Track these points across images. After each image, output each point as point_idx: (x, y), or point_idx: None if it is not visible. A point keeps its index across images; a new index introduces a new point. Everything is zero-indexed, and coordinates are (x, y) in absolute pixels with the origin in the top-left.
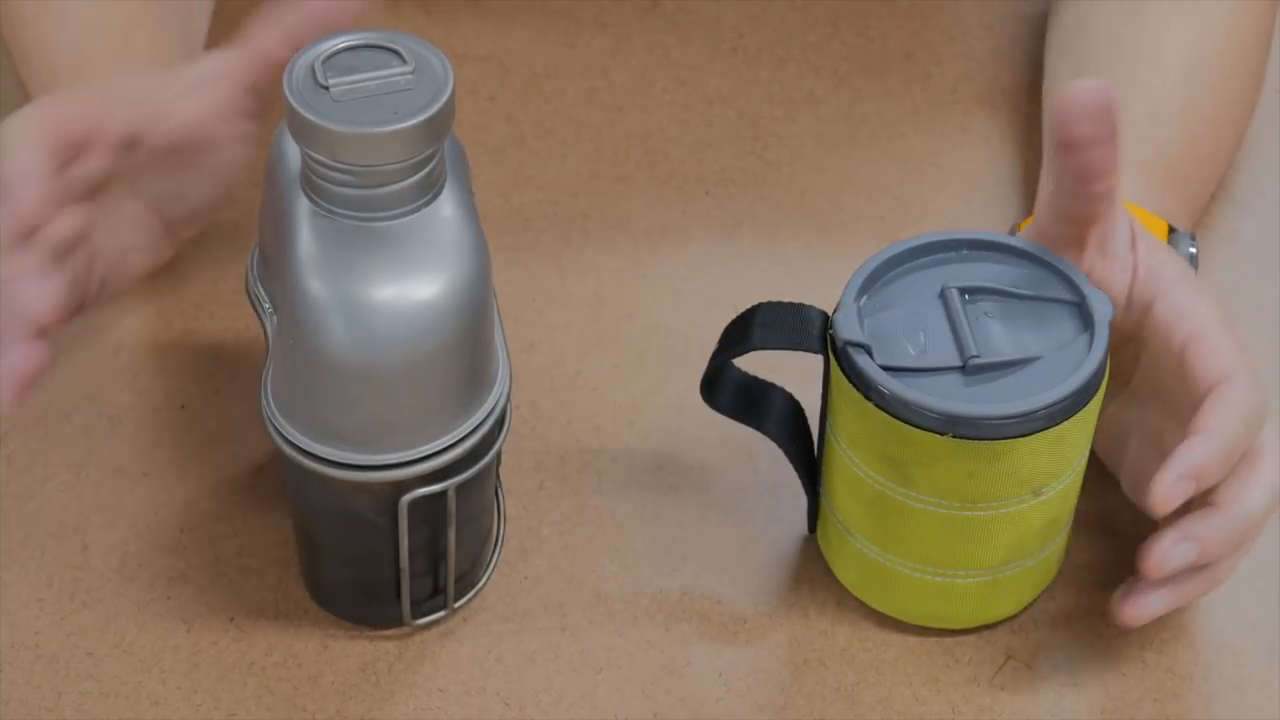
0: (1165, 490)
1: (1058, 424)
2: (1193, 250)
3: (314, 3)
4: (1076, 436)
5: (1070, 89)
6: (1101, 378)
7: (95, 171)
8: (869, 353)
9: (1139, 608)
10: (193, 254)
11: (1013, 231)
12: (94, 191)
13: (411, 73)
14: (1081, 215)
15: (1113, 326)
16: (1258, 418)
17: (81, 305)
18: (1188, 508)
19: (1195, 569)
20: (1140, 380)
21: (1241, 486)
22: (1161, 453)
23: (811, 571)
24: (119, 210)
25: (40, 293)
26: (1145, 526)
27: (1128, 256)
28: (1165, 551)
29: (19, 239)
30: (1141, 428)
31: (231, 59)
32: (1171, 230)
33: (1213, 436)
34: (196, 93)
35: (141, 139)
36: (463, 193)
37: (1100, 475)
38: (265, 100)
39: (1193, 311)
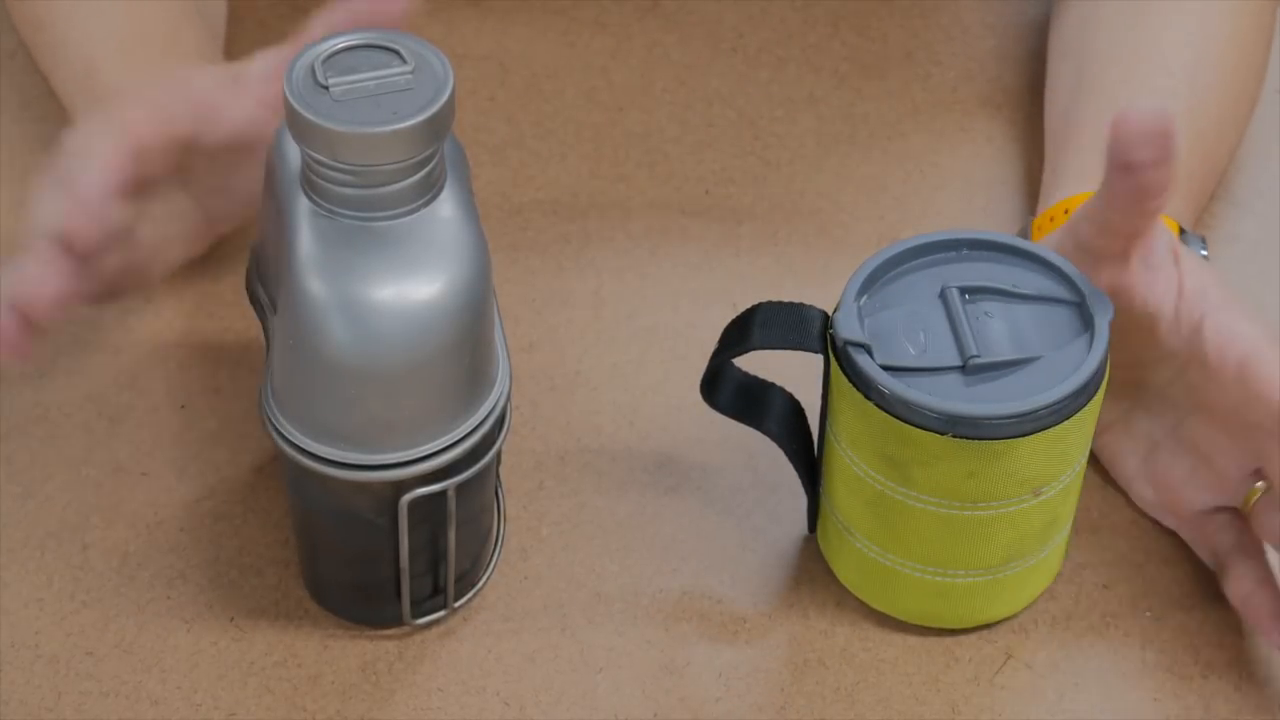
0: None
1: (1058, 424)
2: (1204, 253)
3: (361, 1)
4: (1076, 436)
5: (1129, 112)
6: (1101, 378)
7: (155, 171)
8: (869, 352)
9: None
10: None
11: (1024, 229)
12: (149, 186)
13: (411, 73)
14: (1128, 230)
15: (1156, 339)
16: None
17: (121, 291)
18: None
19: None
20: (1182, 392)
21: None
22: (1207, 464)
23: (811, 571)
24: (167, 202)
25: (41, 281)
26: (1145, 526)
27: (1172, 271)
28: None
29: (61, 243)
30: (1178, 436)
31: (282, 56)
32: (1182, 231)
33: None
34: (250, 91)
35: (199, 139)
36: (463, 193)
37: (1100, 475)
38: None
39: (1243, 333)
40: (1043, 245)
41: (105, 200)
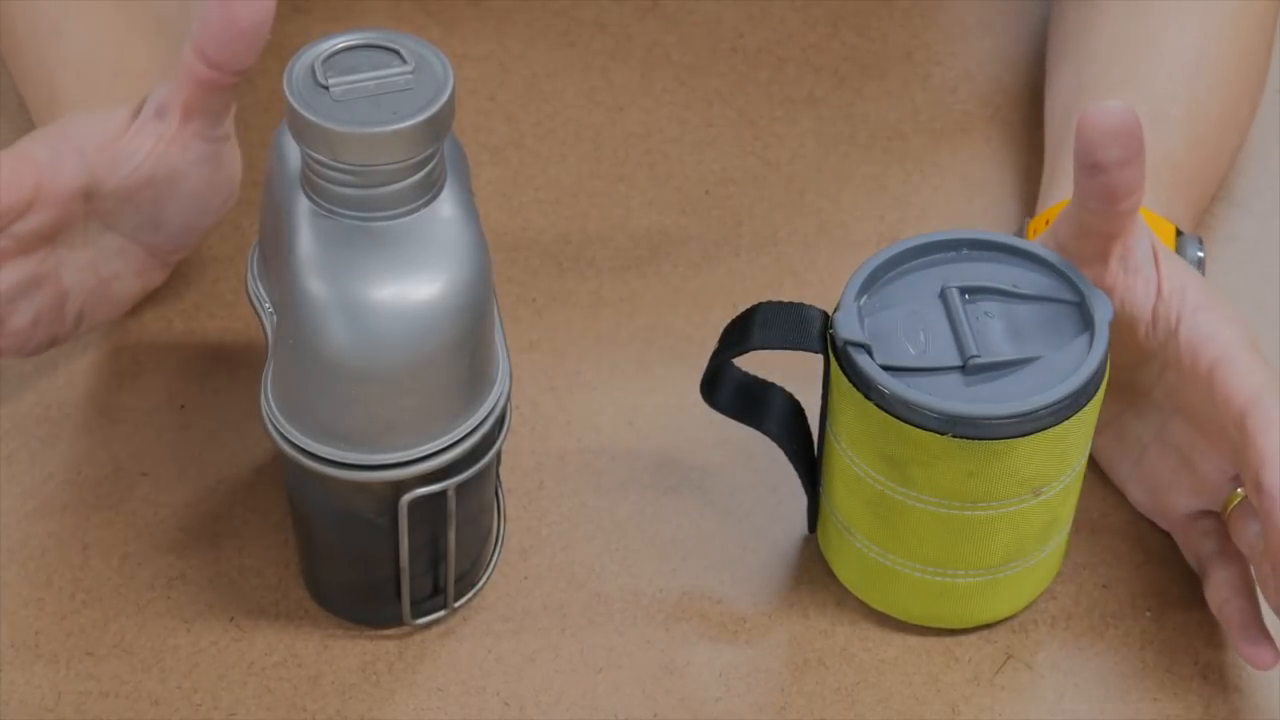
0: None
1: (1058, 424)
2: (1200, 255)
3: (218, 16)
4: (1076, 436)
5: (1094, 112)
6: (1101, 378)
7: (45, 225)
8: (869, 352)
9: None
10: (193, 254)
11: (1020, 230)
12: (47, 240)
13: (411, 73)
14: (1104, 230)
15: (1135, 342)
16: None
17: (56, 339)
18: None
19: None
20: (1164, 394)
21: None
22: (1189, 466)
23: (811, 571)
24: (94, 245)
25: None
26: (1145, 526)
27: (1151, 272)
28: None
29: None
30: (1163, 439)
31: (170, 88)
32: (1179, 233)
33: None
34: (148, 130)
35: (100, 187)
36: (463, 193)
37: (1100, 475)
38: (214, 119)
39: (1218, 336)
40: (1022, 239)
41: None
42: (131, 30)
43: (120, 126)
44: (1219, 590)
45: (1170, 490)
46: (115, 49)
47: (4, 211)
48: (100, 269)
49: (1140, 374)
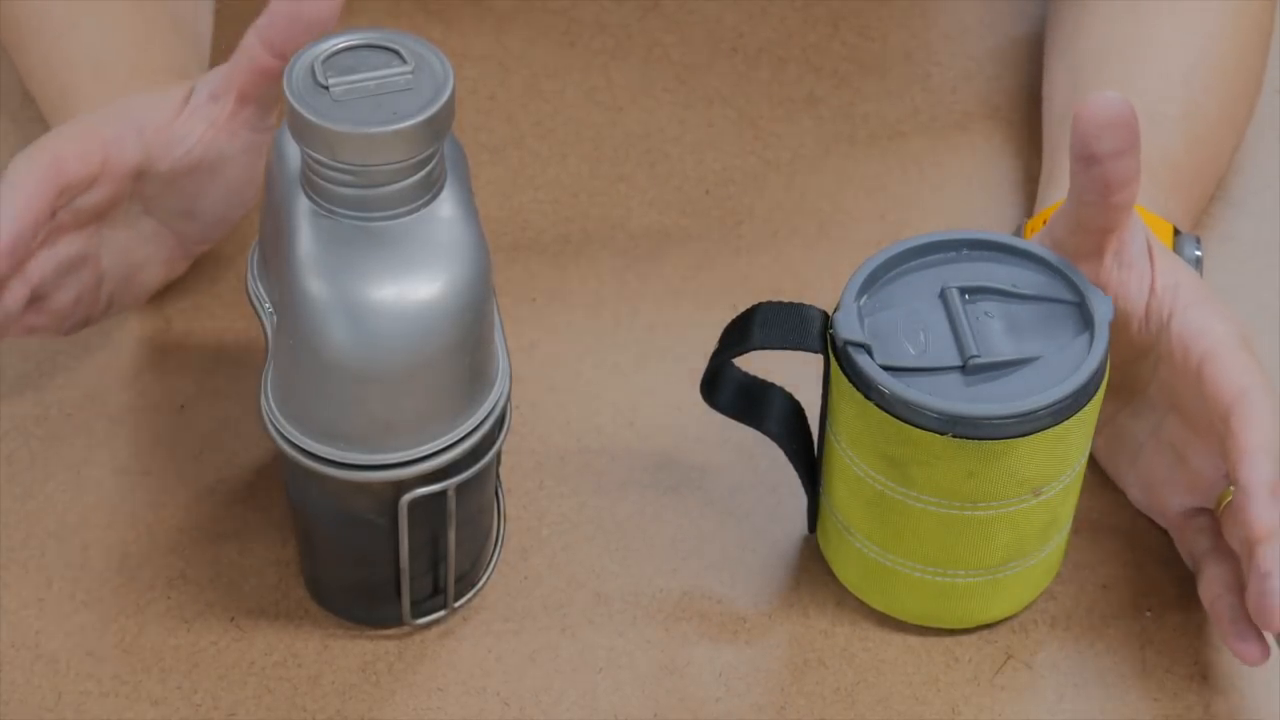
0: (1266, 516)
1: (1058, 424)
2: (1198, 254)
3: (287, 6)
4: (1076, 436)
5: (1089, 102)
6: (1101, 378)
7: (101, 202)
8: (869, 352)
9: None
10: None
11: (1017, 231)
12: (99, 217)
13: (411, 73)
14: (1100, 225)
15: (1129, 338)
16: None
17: (87, 321)
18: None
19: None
20: (1158, 391)
21: None
22: (1183, 463)
23: (811, 571)
24: (132, 229)
25: None
26: (1144, 526)
27: (1145, 268)
28: (1270, 512)
29: None
30: (1158, 436)
31: (225, 74)
32: (1176, 233)
33: (1263, 453)
34: (200, 114)
35: (152, 167)
36: (463, 193)
37: (1100, 475)
38: (264, 110)
39: (1208, 330)
40: (1022, 239)
41: (18, 236)
42: (150, 29)
43: (175, 109)
44: (1211, 586)
45: (1166, 488)
46: (133, 47)
47: (76, 183)
48: (134, 253)
49: (1135, 371)
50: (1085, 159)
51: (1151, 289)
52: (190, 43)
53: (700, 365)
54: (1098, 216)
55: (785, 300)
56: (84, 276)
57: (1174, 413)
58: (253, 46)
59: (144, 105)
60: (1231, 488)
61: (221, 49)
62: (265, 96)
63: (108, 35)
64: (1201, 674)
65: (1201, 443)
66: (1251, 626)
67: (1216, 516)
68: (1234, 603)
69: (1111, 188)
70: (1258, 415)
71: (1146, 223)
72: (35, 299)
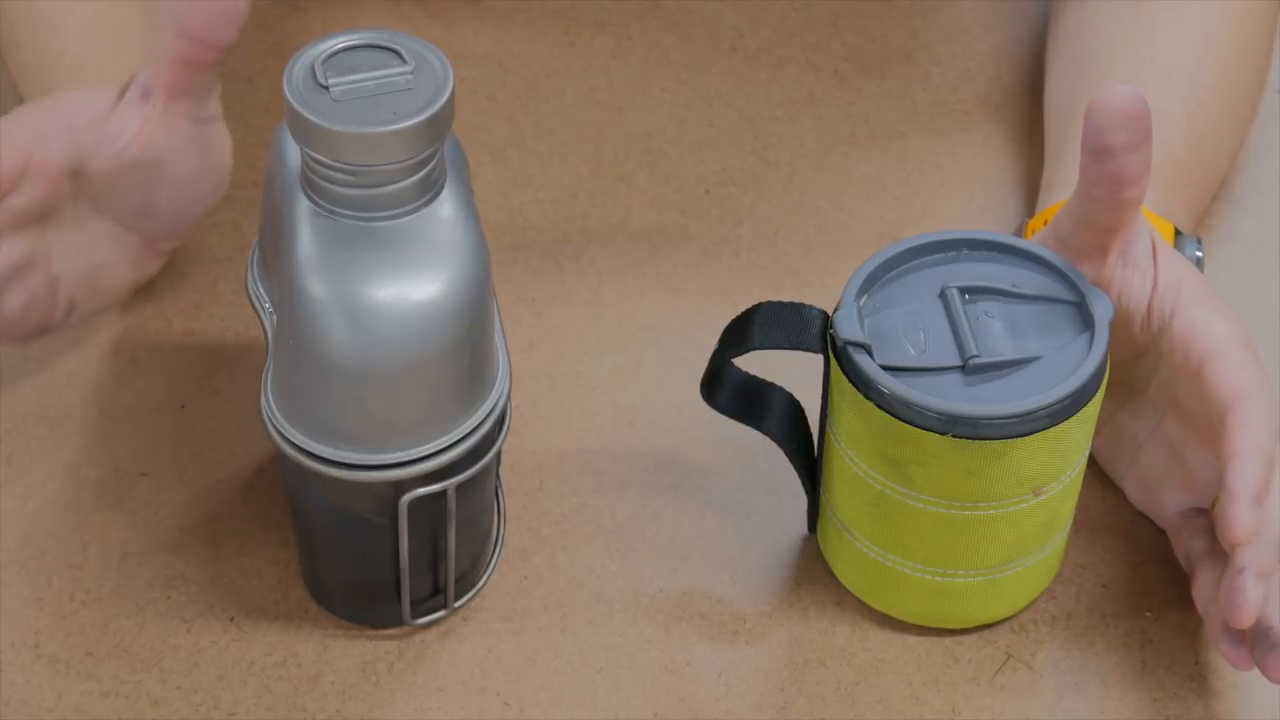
0: (1246, 519)
1: (1058, 424)
2: (1199, 254)
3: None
4: (1076, 436)
5: (1103, 94)
6: (1101, 378)
7: (35, 202)
8: (869, 352)
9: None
10: (193, 254)
11: (1018, 231)
12: (41, 218)
13: (411, 73)
14: (1107, 223)
15: (1130, 337)
16: (1276, 431)
17: (46, 327)
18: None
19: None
20: (1158, 390)
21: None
22: (1180, 463)
23: (811, 571)
24: (85, 230)
25: None
26: (1145, 527)
27: (1149, 267)
28: (1253, 599)
29: None
30: (1157, 436)
31: (151, 71)
32: (1178, 233)
33: (1254, 457)
34: (133, 110)
35: (87, 165)
36: (463, 193)
37: (1100, 475)
38: (199, 101)
39: (1210, 329)
40: (1024, 239)
41: None
42: (124, 24)
43: (107, 106)
44: (1204, 589)
45: (1163, 487)
46: (108, 42)
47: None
48: (92, 256)
49: (1136, 370)
50: (1097, 152)
51: (1154, 287)
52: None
53: (700, 365)
54: (1105, 214)
55: (785, 300)
56: (33, 282)
57: (1173, 412)
58: (172, 39)
59: (75, 102)
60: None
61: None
62: (195, 87)
63: (85, 35)
64: (1201, 674)
65: (1199, 443)
66: (1242, 632)
67: (1212, 518)
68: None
69: (1123, 183)
70: (1253, 418)
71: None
72: None
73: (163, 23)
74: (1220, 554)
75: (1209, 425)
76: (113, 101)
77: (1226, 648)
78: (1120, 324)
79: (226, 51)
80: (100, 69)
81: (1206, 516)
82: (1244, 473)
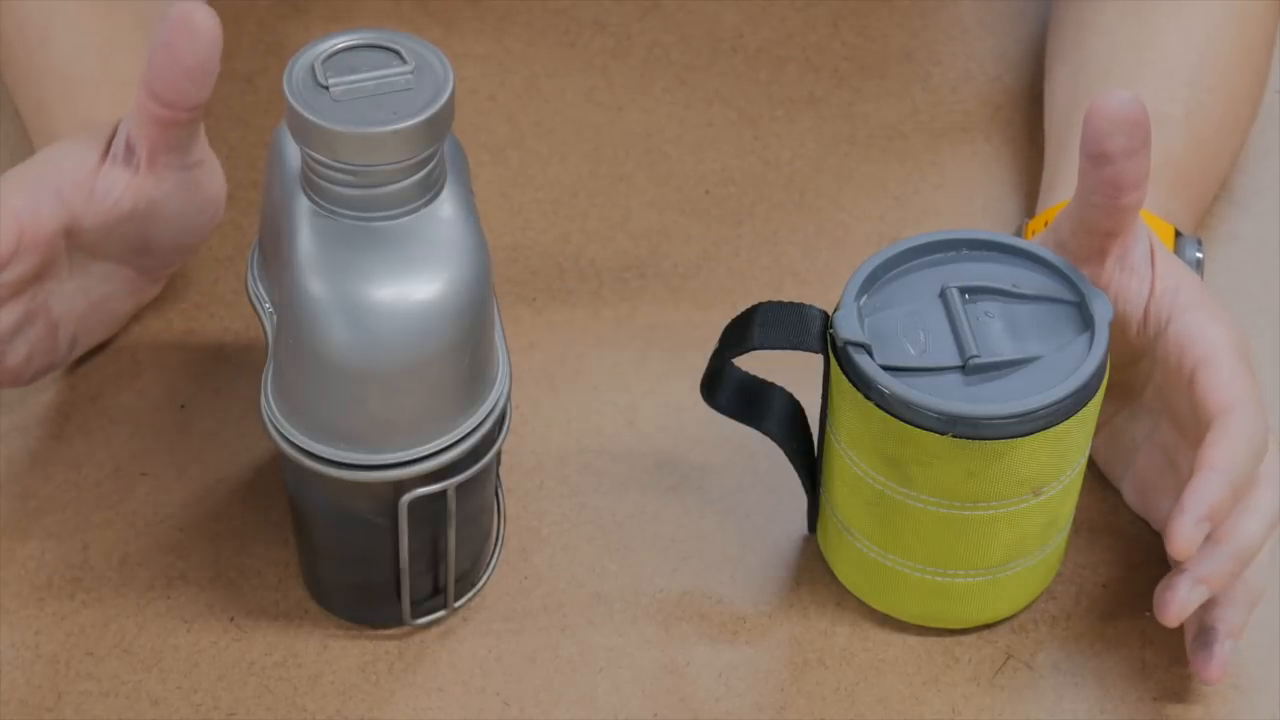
0: (1187, 535)
1: (1058, 424)
2: (1199, 256)
3: (163, 56)
4: (1076, 436)
5: (1103, 99)
6: (1101, 378)
7: (30, 271)
8: (869, 352)
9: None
10: (192, 254)
11: (1018, 232)
12: (35, 281)
13: (411, 73)
14: (1105, 228)
15: (1127, 341)
16: (1260, 448)
17: (50, 367)
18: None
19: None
20: (1153, 395)
21: (1238, 517)
22: (1174, 468)
23: (811, 571)
24: (83, 274)
25: None
26: (1144, 527)
27: (1147, 271)
28: (1181, 601)
29: None
30: (1153, 440)
31: (132, 124)
32: (1178, 235)
33: (1220, 474)
34: (119, 167)
35: (79, 224)
36: (463, 193)
37: (1100, 476)
38: (181, 152)
39: (1204, 336)
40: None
41: None
42: (115, 38)
43: (93, 165)
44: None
45: (1157, 491)
46: (99, 57)
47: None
48: (90, 293)
49: (1133, 374)
50: (1096, 157)
51: (1151, 292)
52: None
53: (700, 365)
54: (1104, 219)
55: (785, 300)
56: (32, 334)
57: (1167, 418)
58: (143, 100)
59: (60, 164)
60: None
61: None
62: (176, 142)
63: (76, 48)
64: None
65: (1189, 448)
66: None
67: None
68: (1198, 618)
69: (1122, 188)
70: (1233, 435)
71: (1148, 225)
72: None
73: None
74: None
75: (1198, 433)
76: (99, 158)
77: (1194, 658)
78: (1117, 328)
79: (200, 109)
80: (93, 83)
81: None
82: (1202, 489)
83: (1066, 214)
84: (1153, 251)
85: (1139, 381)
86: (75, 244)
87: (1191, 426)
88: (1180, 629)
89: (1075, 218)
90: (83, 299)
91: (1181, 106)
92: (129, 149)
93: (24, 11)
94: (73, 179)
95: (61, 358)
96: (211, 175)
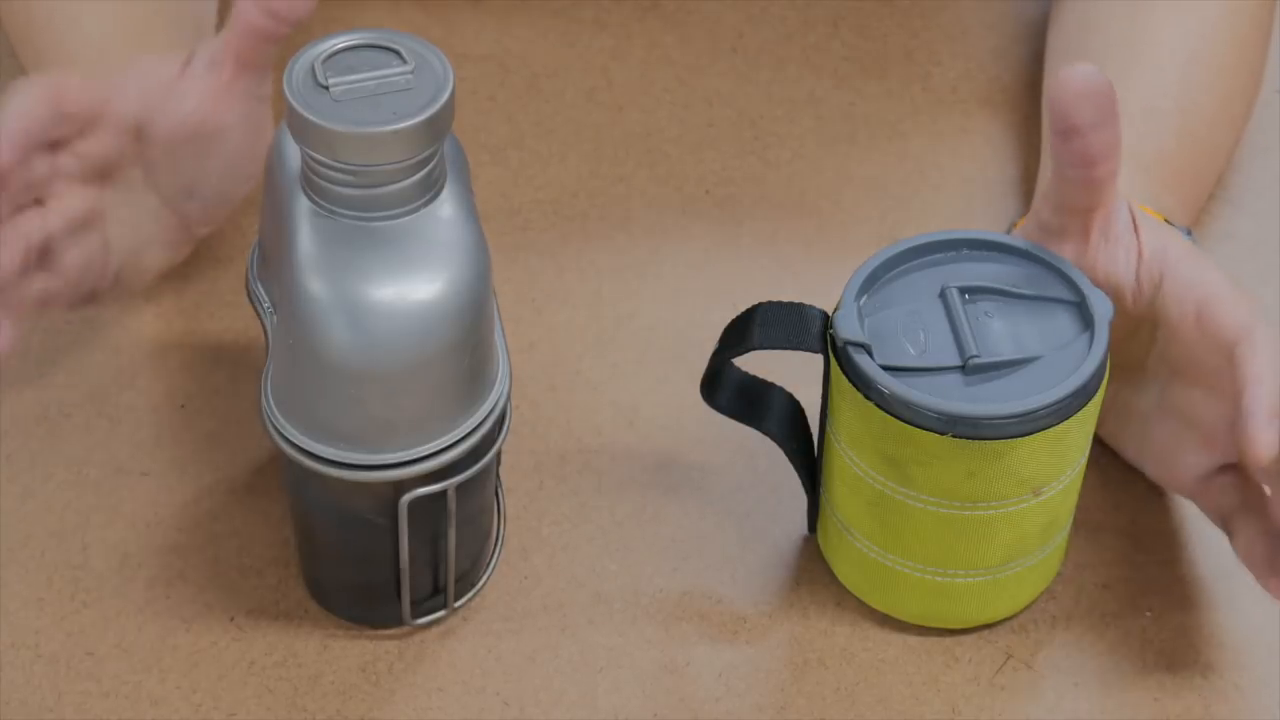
0: (1266, 437)
1: (1058, 424)
2: None
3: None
4: (1076, 436)
5: (1063, 75)
6: (1101, 378)
7: (104, 151)
8: (869, 352)
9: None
10: (193, 254)
11: (1010, 229)
12: (105, 174)
13: (411, 73)
14: (1084, 203)
15: (1124, 311)
16: None
17: (94, 294)
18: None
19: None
20: (1156, 361)
21: None
22: (1192, 425)
23: (811, 571)
24: (135, 204)
25: None
26: (1145, 526)
27: (1131, 239)
28: (1268, 433)
29: None
30: (1163, 407)
31: (222, 40)
32: (1166, 223)
33: (1269, 379)
34: (198, 78)
35: (151, 126)
36: (463, 193)
37: (1100, 475)
38: (260, 76)
39: (1201, 280)
40: (1016, 236)
41: (15, 139)
42: (149, 23)
43: (174, 72)
44: (1244, 538)
45: (1179, 454)
46: (132, 44)
47: (76, 112)
48: (139, 230)
49: (1132, 346)
50: (1064, 132)
51: (1140, 256)
52: (192, 37)
53: (700, 365)
54: (1081, 194)
55: (785, 300)
56: (92, 241)
57: (1175, 379)
58: (246, 8)
59: (143, 65)
60: None
61: None
62: (261, 60)
63: (107, 32)
64: (1201, 674)
65: (1208, 393)
66: None
67: (1239, 468)
68: (1269, 546)
69: (1093, 160)
70: (1261, 345)
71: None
72: (45, 257)
73: (192, 26)
74: (1256, 505)
75: (1217, 371)
76: (179, 68)
77: (1275, 582)
78: (1112, 299)
79: (299, 25)
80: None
81: (1231, 471)
82: (1260, 393)
83: (1045, 195)
84: (1134, 218)
85: (1140, 352)
86: (140, 155)
87: (1208, 369)
88: (1181, 629)
89: (1054, 197)
90: (131, 233)
91: (1172, 100)
92: (212, 63)
93: (48, 3)
94: (154, 80)
95: (105, 289)
96: (267, 119)
